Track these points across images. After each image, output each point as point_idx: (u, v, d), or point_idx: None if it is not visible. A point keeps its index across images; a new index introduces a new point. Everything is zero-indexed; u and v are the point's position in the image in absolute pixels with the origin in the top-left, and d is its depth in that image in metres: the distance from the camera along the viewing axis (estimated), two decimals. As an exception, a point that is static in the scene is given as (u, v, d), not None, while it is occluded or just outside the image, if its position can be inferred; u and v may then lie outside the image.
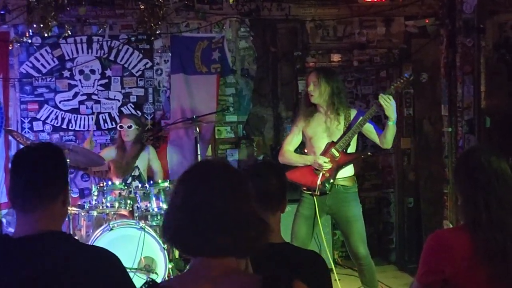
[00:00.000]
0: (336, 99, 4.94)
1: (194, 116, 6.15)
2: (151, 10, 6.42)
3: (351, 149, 4.99)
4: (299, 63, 6.87)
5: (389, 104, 4.75)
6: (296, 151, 5.18)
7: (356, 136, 4.95)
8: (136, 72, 6.74)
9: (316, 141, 5.00)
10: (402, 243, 6.97)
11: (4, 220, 6.48)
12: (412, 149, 7.00)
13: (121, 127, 6.15)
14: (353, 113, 5.04)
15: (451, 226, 5.30)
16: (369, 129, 4.98)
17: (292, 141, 5.13)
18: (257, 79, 7.00)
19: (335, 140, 4.92)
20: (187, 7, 6.62)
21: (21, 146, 6.10)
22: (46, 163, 2.11)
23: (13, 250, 1.99)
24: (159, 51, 6.78)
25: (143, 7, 6.43)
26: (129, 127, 6.10)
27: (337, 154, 4.86)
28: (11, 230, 6.38)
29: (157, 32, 6.58)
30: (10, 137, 6.25)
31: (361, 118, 4.90)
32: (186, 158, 6.70)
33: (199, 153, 6.05)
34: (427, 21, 6.54)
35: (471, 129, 5.22)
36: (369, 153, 5.47)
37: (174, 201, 1.81)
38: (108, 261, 2.08)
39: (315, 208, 4.86)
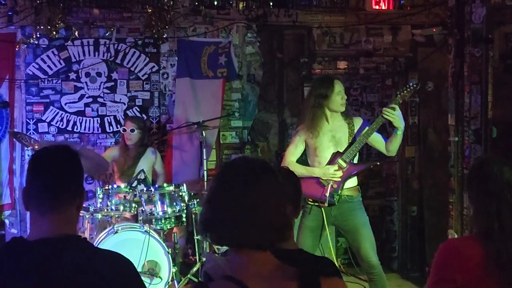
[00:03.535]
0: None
1: (201, 121, 6.13)
2: (158, 14, 6.44)
3: (356, 158, 4.93)
4: (305, 69, 6.88)
5: (395, 116, 4.70)
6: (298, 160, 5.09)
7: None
8: (143, 76, 6.74)
9: (322, 151, 4.90)
10: (405, 252, 6.95)
11: (7, 221, 6.48)
12: (417, 158, 6.99)
13: (124, 130, 6.13)
14: (358, 122, 5.00)
15: (456, 235, 5.28)
16: (375, 138, 4.92)
17: (295, 152, 5.00)
18: (263, 84, 7.00)
19: (341, 151, 4.86)
20: (194, 11, 6.63)
21: (26, 148, 6.11)
22: (65, 167, 2.09)
23: (29, 253, 1.96)
24: (166, 55, 6.78)
25: (150, 10, 6.45)
26: (132, 130, 6.07)
27: (344, 164, 4.79)
28: (14, 231, 6.38)
29: (164, 36, 6.60)
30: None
31: (367, 128, 4.84)
32: (190, 163, 6.69)
33: (204, 157, 6.03)
34: (434, 30, 6.54)
35: (478, 139, 5.20)
36: (377, 163, 5.42)
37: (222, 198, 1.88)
38: (123, 266, 2.07)
39: (323, 220, 4.79)
